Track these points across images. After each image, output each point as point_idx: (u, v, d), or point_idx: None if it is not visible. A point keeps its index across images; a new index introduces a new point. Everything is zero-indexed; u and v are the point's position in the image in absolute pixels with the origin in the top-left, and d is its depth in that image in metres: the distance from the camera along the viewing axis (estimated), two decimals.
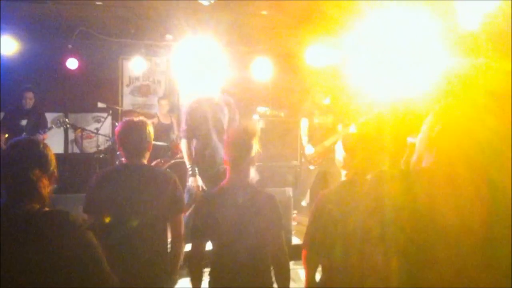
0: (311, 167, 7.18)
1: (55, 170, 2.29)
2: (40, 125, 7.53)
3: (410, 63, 5.42)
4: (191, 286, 3.24)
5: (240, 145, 3.16)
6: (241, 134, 3.22)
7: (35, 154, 2.22)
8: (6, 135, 7.20)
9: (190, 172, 5.31)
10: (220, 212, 3.09)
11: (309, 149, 7.16)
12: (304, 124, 7.27)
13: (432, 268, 1.80)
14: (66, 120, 7.77)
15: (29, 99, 7.50)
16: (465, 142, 1.82)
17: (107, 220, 3.13)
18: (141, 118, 3.49)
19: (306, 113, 7.28)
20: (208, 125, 5.37)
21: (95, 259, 2.16)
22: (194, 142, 5.42)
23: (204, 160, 5.36)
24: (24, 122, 7.43)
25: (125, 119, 3.53)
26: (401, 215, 1.85)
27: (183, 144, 5.42)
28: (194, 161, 5.35)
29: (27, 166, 2.18)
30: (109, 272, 2.21)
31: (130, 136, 3.35)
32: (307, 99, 7.58)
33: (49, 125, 7.79)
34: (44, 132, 7.45)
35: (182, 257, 3.39)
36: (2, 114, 7.71)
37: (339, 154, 3.29)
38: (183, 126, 5.43)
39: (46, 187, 2.23)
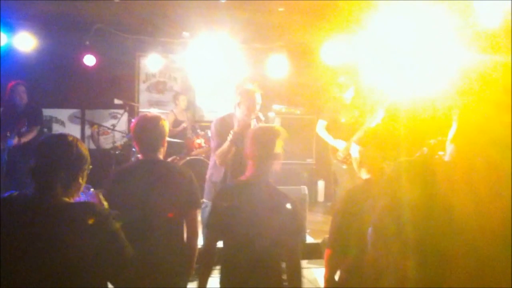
0: (344, 166, 6.91)
1: (87, 166, 2.36)
2: (35, 121, 7.18)
3: (427, 61, 5.37)
4: (197, 283, 3.22)
5: (264, 143, 3.18)
6: (267, 132, 3.25)
7: (67, 150, 2.28)
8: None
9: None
10: (236, 208, 3.08)
11: (340, 144, 6.86)
12: (321, 124, 7.02)
13: (449, 267, 1.79)
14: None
15: (22, 93, 7.09)
16: (484, 139, 1.81)
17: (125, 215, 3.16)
18: (156, 113, 3.53)
19: (331, 111, 7.04)
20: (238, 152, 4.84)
21: (121, 248, 2.26)
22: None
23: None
24: (22, 120, 7.04)
25: (140, 114, 3.56)
26: (417, 213, 1.84)
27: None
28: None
29: (59, 161, 2.25)
30: (132, 260, 2.31)
31: (145, 131, 3.38)
32: (329, 98, 7.41)
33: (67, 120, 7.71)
34: (37, 129, 7.12)
35: (197, 252, 3.39)
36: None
37: (355, 151, 3.27)
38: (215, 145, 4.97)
39: (76, 182, 2.30)
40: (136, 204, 3.22)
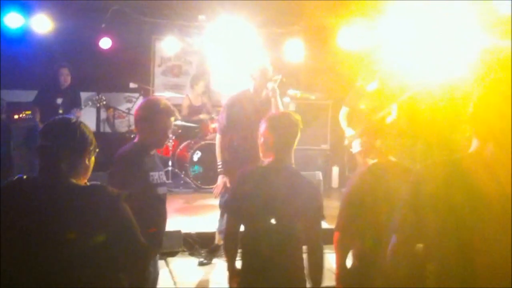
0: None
1: (92, 148, 2.34)
2: (75, 103, 7.66)
3: (448, 46, 5.29)
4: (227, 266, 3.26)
5: (286, 130, 3.17)
6: (287, 119, 3.22)
7: (74, 133, 2.27)
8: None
9: (221, 169, 5.21)
10: (257, 193, 3.08)
11: (349, 132, 7.07)
12: (343, 111, 7.21)
13: (477, 262, 1.74)
14: (102, 97, 7.97)
15: (66, 75, 7.63)
16: (506, 124, 1.75)
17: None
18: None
19: (352, 98, 7.18)
20: (249, 122, 4.98)
21: (131, 228, 2.25)
22: (235, 138, 5.21)
23: (247, 156, 4.98)
24: (59, 101, 7.53)
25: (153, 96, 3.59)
26: (441, 206, 1.79)
27: (217, 140, 5.31)
28: (234, 157, 5.17)
29: (63, 143, 2.24)
30: (143, 241, 2.28)
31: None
32: (352, 86, 7.45)
33: (83, 103, 7.93)
34: (79, 110, 7.59)
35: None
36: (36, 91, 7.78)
37: (355, 146, 3.30)
38: (223, 121, 5.25)
39: (82, 164, 2.30)
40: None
